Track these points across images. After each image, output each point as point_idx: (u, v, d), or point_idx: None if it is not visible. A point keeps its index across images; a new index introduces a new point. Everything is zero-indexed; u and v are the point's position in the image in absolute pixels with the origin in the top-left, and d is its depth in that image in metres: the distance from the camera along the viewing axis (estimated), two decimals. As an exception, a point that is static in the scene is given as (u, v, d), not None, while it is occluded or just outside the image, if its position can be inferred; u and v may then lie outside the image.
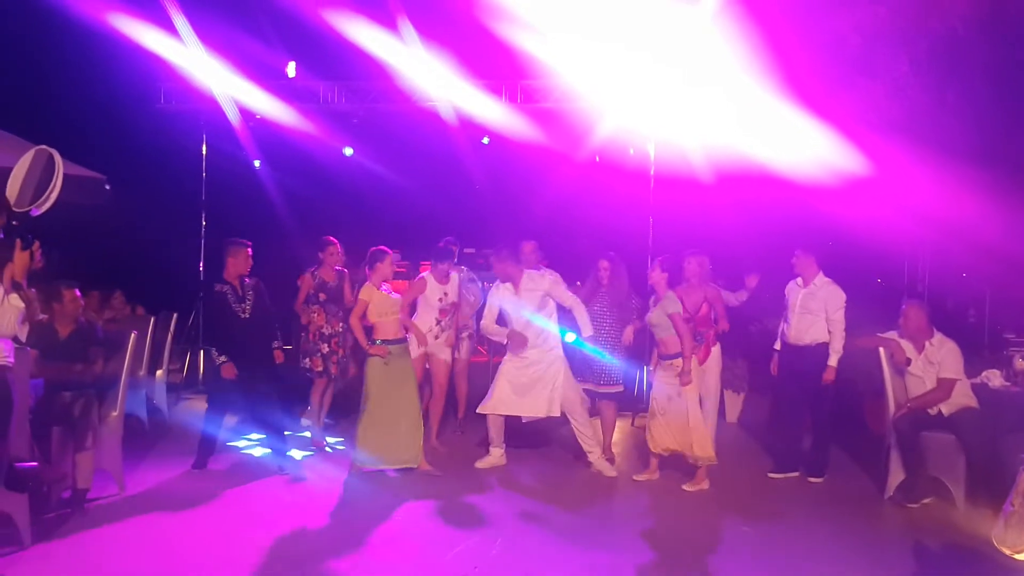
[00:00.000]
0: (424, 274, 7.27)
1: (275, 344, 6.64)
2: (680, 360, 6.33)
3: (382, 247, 6.68)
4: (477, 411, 6.80)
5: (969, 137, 8.41)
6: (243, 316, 6.46)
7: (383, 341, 6.45)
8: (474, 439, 7.39)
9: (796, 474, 6.74)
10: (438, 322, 7.17)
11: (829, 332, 6.53)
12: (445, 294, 7.17)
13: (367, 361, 6.52)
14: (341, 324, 7.33)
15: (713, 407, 7.29)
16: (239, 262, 6.58)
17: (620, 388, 7.00)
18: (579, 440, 6.70)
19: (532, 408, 6.61)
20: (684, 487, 6.33)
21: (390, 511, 5.62)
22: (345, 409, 7.83)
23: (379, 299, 6.47)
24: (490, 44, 9.01)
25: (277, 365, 6.67)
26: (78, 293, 5.75)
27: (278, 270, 7.47)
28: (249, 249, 6.65)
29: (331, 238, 7.47)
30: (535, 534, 5.22)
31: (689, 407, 6.33)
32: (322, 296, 7.33)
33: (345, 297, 7.39)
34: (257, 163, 11.45)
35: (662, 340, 6.46)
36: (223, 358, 6.38)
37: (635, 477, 6.61)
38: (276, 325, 6.77)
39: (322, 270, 7.39)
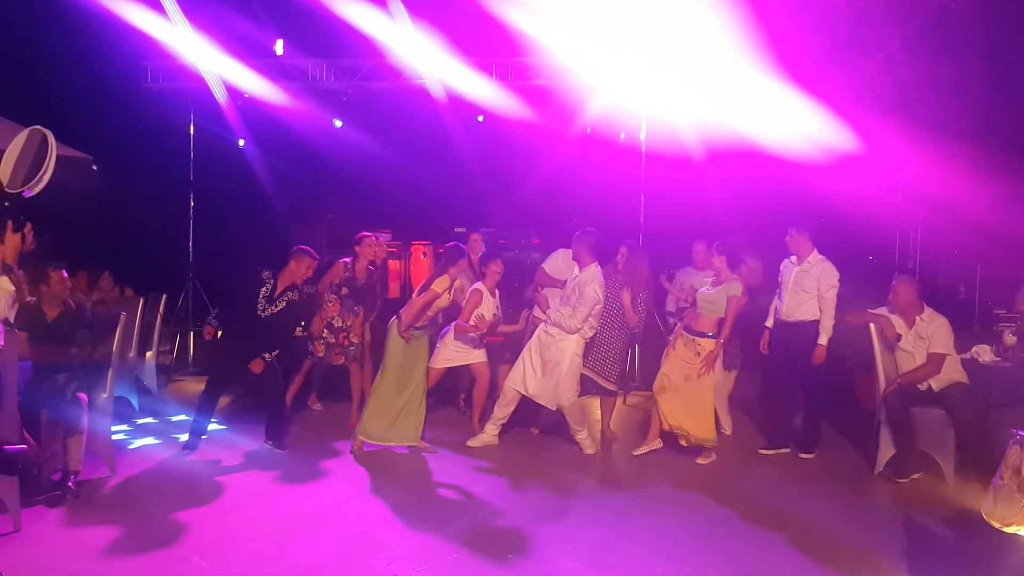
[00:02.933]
0: (478, 285, 6.93)
1: (266, 354, 6.44)
2: (707, 341, 6.42)
3: (457, 243, 6.62)
4: (505, 383, 6.77)
5: (960, 114, 8.41)
6: (260, 313, 6.39)
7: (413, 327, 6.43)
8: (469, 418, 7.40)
9: (787, 450, 6.78)
10: (481, 336, 6.97)
11: (820, 310, 6.54)
12: (497, 308, 6.98)
13: (389, 339, 6.50)
14: (352, 318, 7.27)
15: (721, 385, 7.35)
16: (299, 269, 6.50)
17: (614, 387, 7.00)
18: (567, 419, 6.71)
19: (544, 397, 6.61)
20: (698, 460, 6.43)
21: (382, 489, 5.63)
22: (335, 393, 7.84)
23: (446, 299, 6.46)
24: (480, 21, 8.93)
25: (268, 365, 6.46)
26: (65, 274, 5.70)
27: (267, 249, 7.41)
28: (314, 260, 6.57)
29: (367, 233, 7.40)
30: (527, 512, 5.23)
31: (706, 390, 6.43)
32: (345, 290, 7.25)
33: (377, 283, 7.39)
34: (242, 142, 11.35)
35: (700, 315, 6.50)
36: (214, 321, 6.41)
37: (634, 452, 6.65)
38: (281, 341, 6.64)
39: (356, 264, 7.28)
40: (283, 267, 6.51)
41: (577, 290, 6.55)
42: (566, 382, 6.55)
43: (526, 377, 6.66)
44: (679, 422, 6.44)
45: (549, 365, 6.57)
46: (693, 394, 6.43)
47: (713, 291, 6.49)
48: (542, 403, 6.66)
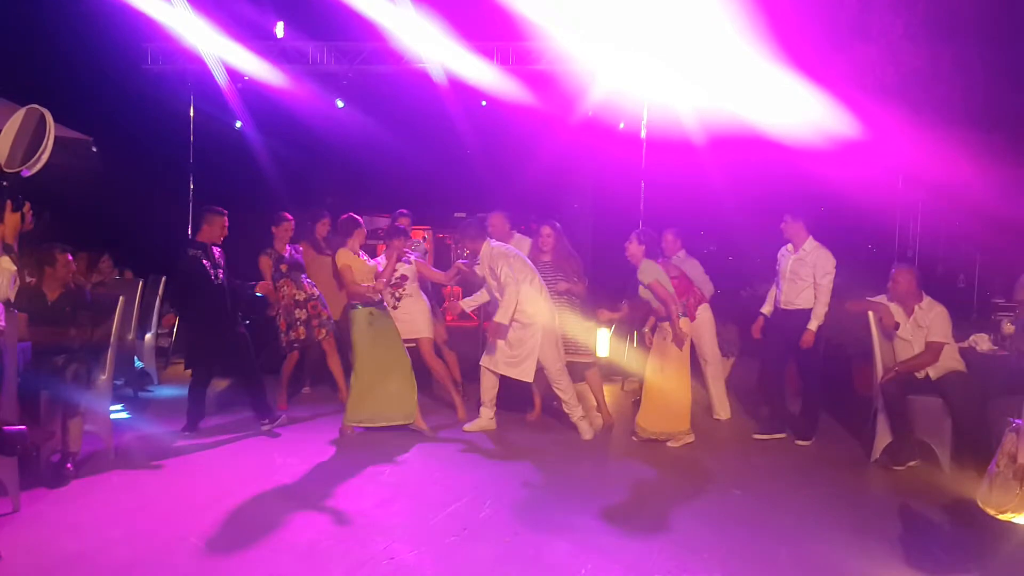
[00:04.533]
0: (379, 259, 6.95)
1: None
2: (666, 324, 6.44)
3: (351, 214, 6.66)
4: (481, 365, 6.82)
5: (961, 101, 8.38)
6: (217, 281, 6.42)
7: (361, 305, 6.45)
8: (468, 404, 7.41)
9: (782, 436, 6.80)
10: (393, 294, 7.05)
11: (815, 297, 6.56)
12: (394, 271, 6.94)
13: (351, 324, 6.52)
14: (314, 288, 7.30)
15: (716, 370, 7.38)
16: (214, 230, 6.55)
17: (592, 357, 7.04)
18: (560, 397, 6.75)
19: (516, 369, 6.66)
20: (668, 444, 6.46)
21: (380, 473, 5.65)
22: (324, 376, 7.84)
23: (358, 265, 6.47)
24: (481, 4, 8.89)
25: (249, 331, 6.63)
26: (71, 257, 5.71)
27: (266, 232, 7.41)
28: (226, 219, 6.61)
29: (287, 214, 7.41)
30: (525, 496, 5.25)
31: (672, 382, 6.45)
32: (283, 267, 7.27)
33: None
34: (239, 124, 11.30)
35: (656, 308, 6.53)
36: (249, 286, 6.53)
37: (634, 437, 6.68)
38: (246, 296, 6.76)
39: (275, 244, 7.33)
40: (196, 233, 6.59)
41: (491, 272, 6.60)
42: (546, 350, 6.59)
43: (497, 356, 6.70)
44: (651, 425, 6.49)
45: (521, 339, 6.61)
46: (667, 386, 6.45)
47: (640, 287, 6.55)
48: (517, 376, 6.68)
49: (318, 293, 7.33)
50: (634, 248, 6.59)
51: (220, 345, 6.51)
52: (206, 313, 6.45)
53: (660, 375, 6.48)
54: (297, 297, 7.22)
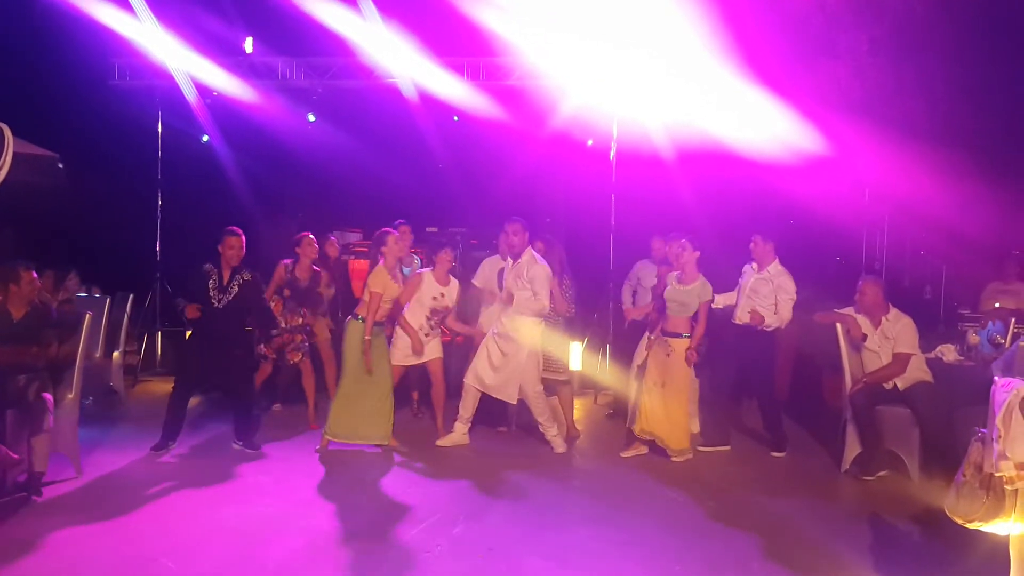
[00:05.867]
0: (424, 271, 6.92)
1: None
2: (676, 340, 6.43)
3: (385, 228, 6.63)
4: (465, 381, 6.79)
5: (924, 117, 8.53)
6: (216, 305, 6.34)
7: (363, 319, 6.42)
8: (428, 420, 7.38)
9: (727, 448, 6.88)
10: (428, 319, 6.88)
11: (775, 311, 6.63)
12: (441, 295, 6.87)
13: (347, 334, 6.48)
14: (300, 319, 7.22)
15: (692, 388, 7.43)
16: (226, 252, 6.42)
17: (567, 375, 7.08)
18: (536, 418, 6.75)
19: (501, 391, 6.66)
20: (673, 458, 6.46)
21: (352, 490, 5.62)
22: (297, 396, 7.77)
23: (391, 290, 6.43)
24: (452, 20, 8.91)
25: (239, 362, 6.56)
26: (35, 275, 5.63)
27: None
28: (239, 239, 6.49)
29: (307, 232, 7.35)
30: (498, 511, 5.24)
31: (680, 398, 6.45)
32: (287, 292, 7.21)
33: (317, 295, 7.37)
34: (206, 138, 11.20)
35: (672, 317, 6.51)
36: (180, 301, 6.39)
37: (622, 454, 6.65)
38: (252, 326, 6.69)
39: (298, 266, 7.26)
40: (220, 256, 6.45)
41: (526, 275, 6.59)
42: (527, 372, 6.60)
43: (483, 373, 6.69)
44: (651, 428, 6.49)
45: (507, 358, 6.62)
46: (667, 401, 6.45)
47: (679, 290, 6.50)
48: (501, 397, 6.70)
49: (298, 325, 7.22)
50: (688, 255, 6.48)
51: (204, 364, 6.46)
52: (199, 331, 6.43)
53: (662, 389, 6.45)
54: (280, 322, 7.18)
